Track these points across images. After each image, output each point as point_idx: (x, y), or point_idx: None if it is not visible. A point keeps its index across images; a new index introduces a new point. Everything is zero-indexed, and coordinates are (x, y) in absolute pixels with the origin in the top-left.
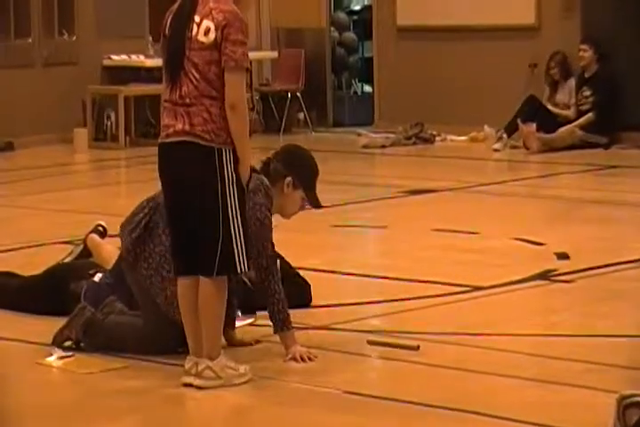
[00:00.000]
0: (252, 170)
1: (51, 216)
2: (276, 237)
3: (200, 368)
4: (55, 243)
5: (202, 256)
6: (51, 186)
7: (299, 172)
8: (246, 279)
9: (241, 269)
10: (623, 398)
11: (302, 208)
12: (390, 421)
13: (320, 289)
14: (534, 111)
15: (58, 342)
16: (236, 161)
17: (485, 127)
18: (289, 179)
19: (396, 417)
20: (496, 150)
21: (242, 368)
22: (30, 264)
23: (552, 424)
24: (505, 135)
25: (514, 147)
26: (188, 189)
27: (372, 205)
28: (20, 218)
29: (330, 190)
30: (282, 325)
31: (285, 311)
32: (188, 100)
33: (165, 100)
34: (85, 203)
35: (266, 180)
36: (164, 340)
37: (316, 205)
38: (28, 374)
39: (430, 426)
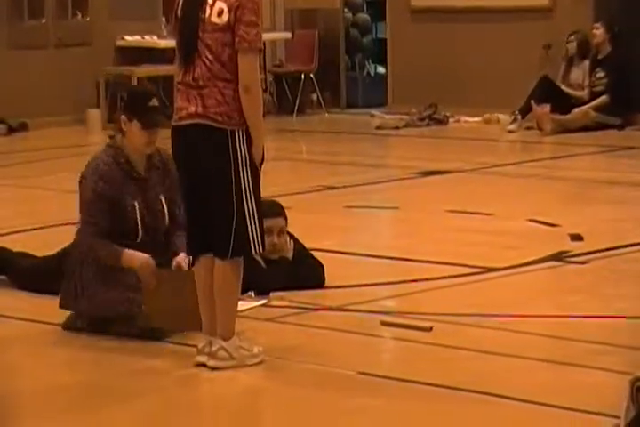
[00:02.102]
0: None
1: (65, 197)
2: (289, 218)
3: (214, 349)
4: (69, 224)
5: (217, 238)
6: (64, 167)
7: (124, 106)
8: (260, 259)
9: (256, 250)
10: (637, 379)
11: (150, 139)
12: (404, 402)
13: (333, 270)
14: (548, 92)
15: (69, 328)
16: (250, 143)
17: (499, 115)
18: (122, 116)
19: (409, 398)
20: (511, 131)
21: (255, 349)
22: (45, 245)
23: (566, 406)
24: (519, 116)
25: (528, 128)
26: (202, 172)
27: (386, 186)
28: (33, 199)
29: (343, 172)
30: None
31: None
32: (201, 83)
33: (179, 83)
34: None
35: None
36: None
37: (147, 125)
38: (43, 355)
39: (444, 407)
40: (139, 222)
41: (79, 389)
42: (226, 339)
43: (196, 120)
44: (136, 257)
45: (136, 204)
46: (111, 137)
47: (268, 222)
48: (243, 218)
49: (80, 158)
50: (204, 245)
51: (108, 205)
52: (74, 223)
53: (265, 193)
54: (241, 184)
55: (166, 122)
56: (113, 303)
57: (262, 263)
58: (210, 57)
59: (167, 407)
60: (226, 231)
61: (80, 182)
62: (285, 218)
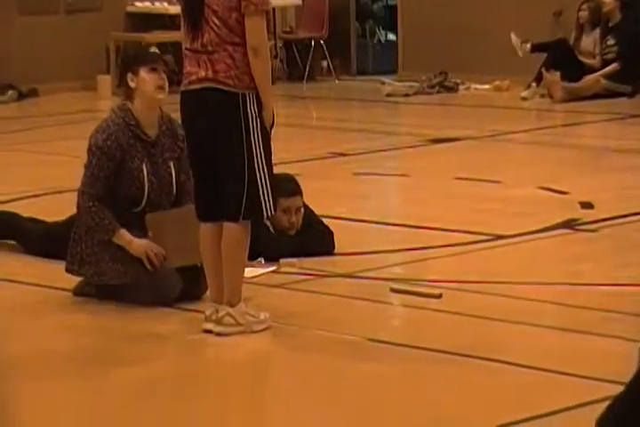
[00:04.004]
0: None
1: (75, 163)
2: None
3: (220, 315)
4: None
5: (228, 201)
6: (75, 133)
7: (126, 64)
8: (270, 226)
9: (267, 213)
10: None
11: (160, 82)
12: (412, 368)
13: (343, 237)
14: (562, 56)
15: (78, 294)
16: (260, 106)
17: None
18: (128, 75)
19: (417, 364)
20: (524, 98)
21: (262, 315)
22: (54, 210)
23: (573, 373)
24: (534, 84)
25: (542, 96)
26: (213, 136)
27: (396, 153)
28: (44, 164)
29: (353, 138)
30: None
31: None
32: (210, 48)
33: (187, 49)
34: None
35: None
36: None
37: (154, 66)
38: (49, 320)
39: (452, 373)
40: (145, 186)
41: (82, 354)
42: (232, 305)
43: (206, 84)
44: (134, 245)
45: (144, 166)
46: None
47: (286, 202)
48: (254, 180)
49: (90, 124)
50: (213, 211)
51: (114, 164)
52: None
53: (274, 159)
54: (252, 147)
55: (175, 86)
56: (118, 273)
57: (272, 230)
58: (217, 22)
59: (172, 373)
60: (238, 194)
61: (88, 143)
62: (302, 195)
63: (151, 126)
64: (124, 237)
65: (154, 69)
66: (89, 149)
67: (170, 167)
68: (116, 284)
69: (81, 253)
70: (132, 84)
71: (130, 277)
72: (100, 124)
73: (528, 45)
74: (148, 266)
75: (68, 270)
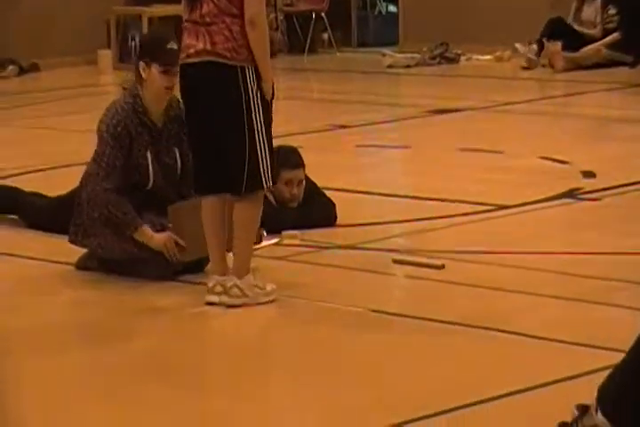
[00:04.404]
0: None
1: (76, 138)
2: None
3: (228, 285)
4: (81, 164)
5: (230, 175)
6: (76, 107)
7: (141, 50)
8: (271, 198)
9: (267, 185)
10: None
11: (170, 82)
12: (416, 339)
13: (345, 209)
14: (559, 31)
15: (80, 267)
16: (259, 79)
17: (517, 45)
18: (140, 63)
19: (421, 335)
20: (525, 68)
21: (269, 287)
22: (56, 185)
23: (578, 342)
24: (534, 45)
25: (542, 66)
26: (213, 108)
27: (397, 125)
28: (45, 139)
29: (354, 110)
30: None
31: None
32: (208, 19)
33: (186, 20)
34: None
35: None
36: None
37: (167, 68)
38: (50, 294)
39: (456, 344)
40: (150, 174)
41: (85, 327)
42: (240, 276)
43: (205, 57)
44: (153, 239)
45: (148, 154)
46: (124, 88)
47: (288, 175)
48: (255, 153)
49: (91, 99)
50: (213, 184)
51: (126, 151)
52: (86, 164)
53: (276, 132)
54: (252, 120)
55: None
56: (122, 246)
57: (274, 202)
58: None
59: (176, 345)
60: (239, 167)
61: (98, 129)
62: (304, 167)
63: (158, 114)
64: (146, 232)
65: (166, 71)
66: (100, 137)
67: (174, 153)
68: (118, 257)
69: (84, 224)
70: (142, 74)
71: (133, 251)
72: (109, 109)
73: (534, 46)
74: (169, 258)
75: (71, 241)
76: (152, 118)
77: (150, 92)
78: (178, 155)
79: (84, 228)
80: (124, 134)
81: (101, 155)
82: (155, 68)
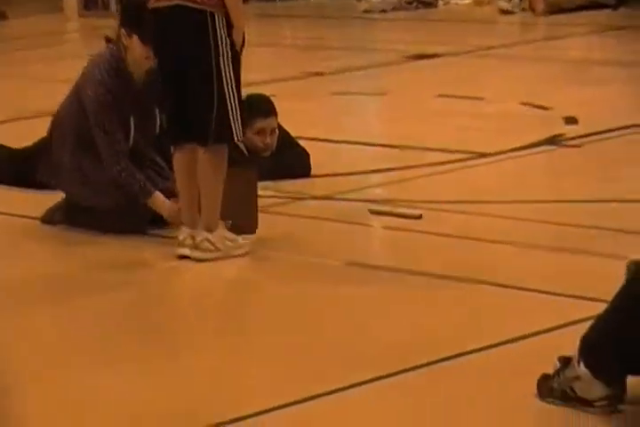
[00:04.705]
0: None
1: (43, 87)
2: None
3: (198, 240)
4: (49, 115)
5: (197, 124)
6: (43, 56)
7: (122, 18)
8: (243, 147)
9: (237, 137)
10: (632, 262)
11: (150, 53)
12: (395, 292)
13: (320, 159)
14: None
15: (46, 221)
16: (230, 26)
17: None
18: (121, 30)
19: (401, 288)
20: (505, 11)
21: (241, 240)
22: (23, 136)
23: (560, 292)
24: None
25: (523, 10)
26: (181, 55)
27: (374, 71)
28: (12, 89)
29: (329, 57)
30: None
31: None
32: None
33: None
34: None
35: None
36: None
37: (147, 41)
38: (14, 249)
39: (436, 296)
40: (131, 136)
41: (54, 282)
42: (211, 230)
43: (175, 1)
44: (165, 207)
45: (131, 119)
46: (108, 40)
47: (260, 123)
48: (223, 103)
49: (58, 47)
50: (185, 132)
51: (115, 115)
52: (52, 115)
53: (246, 80)
54: (221, 68)
55: None
56: (99, 194)
57: (245, 151)
58: None
59: (146, 300)
60: (206, 117)
61: (86, 93)
62: (277, 115)
63: (140, 75)
64: (158, 199)
65: (147, 42)
66: (90, 105)
67: (154, 112)
68: (86, 209)
69: (56, 164)
70: (124, 41)
71: (102, 201)
72: (93, 72)
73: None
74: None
75: (40, 180)
76: (135, 82)
77: (132, 58)
78: (158, 114)
79: (56, 167)
80: (111, 100)
81: (98, 124)
82: (135, 40)
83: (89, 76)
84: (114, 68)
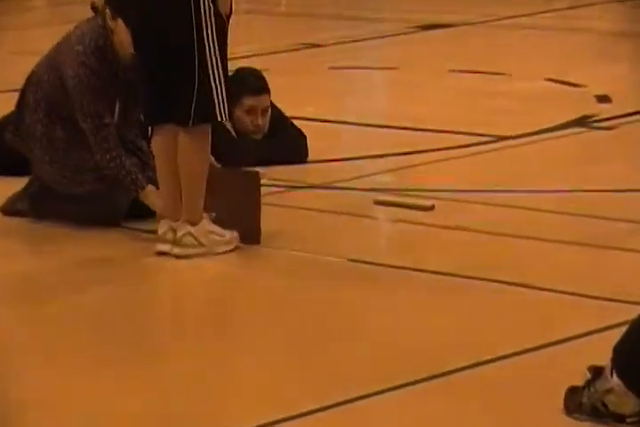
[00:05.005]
0: None
1: (5, 59)
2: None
3: (179, 234)
4: (13, 90)
5: (176, 102)
6: (6, 25)
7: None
8: (231, 128)
9: (221, 117)
10: None
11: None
12: (403, 293)
13: (318, 142)
14: None
15: (8, 212)
16: None
17: None
18: (107, 11)
19: (410, 288)
20: None
21: (228, 234)
22: None
23: (591, 294)
24: None
25: None
26: (160, 25)
27: (379, 42)
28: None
29: (327, 27)
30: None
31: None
32: None
33: None
34: (44, 44)
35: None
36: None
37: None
38: None
39: (451, 298)
40: (115, 117)
41: (26, 280)
42: (193, 223)
43: None
44: (158, 203)
45: (117, 104)
46: (94, 9)
47: (250, 101)
48: (206, 78)
49: (22, 16)
50: (164, 112)
51: (100, 98)
52: (15, 90)
53: (235, 52)
54: (204, 40)
55: None
56: (69, 177)
57: (234, 133)
58: None
59: (124, 300)
60: (187, 94)
61: (67, 73)
62: (269, 92)
63: (128, 56)
64: (151, 193)
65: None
66: (74, 88)
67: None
68: (54, 196)
69: (32, 127)
70: (110, 23)
71: (72, 186)
72: (77, 50)
73: None
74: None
75: (8, 139)
76: (121, 64)
77: (118, 40)
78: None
79: (32, 130)
80: (96, 79)
81: (84, 105)
82: (120, 24)
83: (73, 53)
84: (99, 47)
